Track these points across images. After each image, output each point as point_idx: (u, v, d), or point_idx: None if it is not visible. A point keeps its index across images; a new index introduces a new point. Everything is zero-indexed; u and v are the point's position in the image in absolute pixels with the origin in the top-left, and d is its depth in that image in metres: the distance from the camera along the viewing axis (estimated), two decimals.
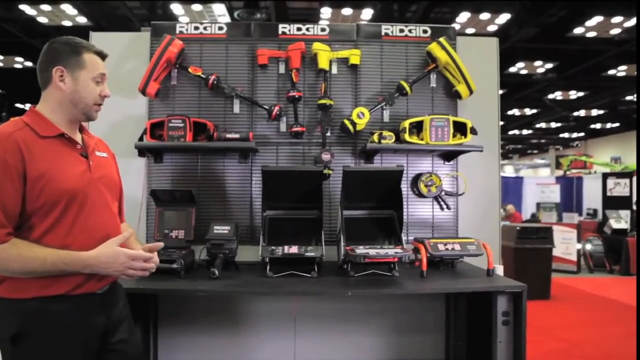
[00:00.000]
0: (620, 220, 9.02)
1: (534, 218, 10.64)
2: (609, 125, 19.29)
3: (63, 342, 1.44)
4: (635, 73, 11.24)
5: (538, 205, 11.94)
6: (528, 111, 16.40)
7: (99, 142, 1.69)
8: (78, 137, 1.57)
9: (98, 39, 3.00)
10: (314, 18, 8.16)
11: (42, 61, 1.51)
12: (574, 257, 8.27)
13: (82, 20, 8.45)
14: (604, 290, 6.89)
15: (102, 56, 1.58)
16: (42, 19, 8.49)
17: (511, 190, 13.80)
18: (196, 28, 2.93)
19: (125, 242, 1.54)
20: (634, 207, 9.67)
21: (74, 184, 1.45)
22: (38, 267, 1.38)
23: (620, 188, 11.58)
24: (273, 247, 2.31)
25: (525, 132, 21.14)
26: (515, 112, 16.39)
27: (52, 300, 1.43)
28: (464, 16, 8.01)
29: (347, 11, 7.92)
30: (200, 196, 2.80)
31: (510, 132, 20.86)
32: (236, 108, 2.88)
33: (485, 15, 7.98)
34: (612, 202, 11.34)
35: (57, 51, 1.50)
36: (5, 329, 1.40)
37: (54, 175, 1.41)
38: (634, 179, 11.52)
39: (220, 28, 2.94)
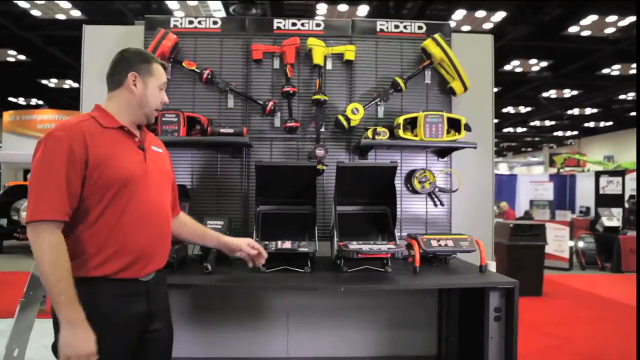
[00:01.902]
0: (612, 218, 9.09)
1: (527, 215, 10.70)
2: (602, 124, 19.42)
3: (104, 323, 1.48)
4: (629, 72, 11.32)
5: (531, 202, 12.01)
6: (523, 109, 16.48)
7: (155, 138, 1.82)
8: (137, 132, 1.69)
9: (92, 32, 2.99)
10: (309, 14, 8.15)
11: (114, 67, 1.67)
12: (566, 255, 8.33)
13: (76, 13, 8.39)
14: (595, 288, 6.94)
15: (165, 68, 1.76)
16: (36, 12, 8.42)
17: (505, 187, 13.86)
18: (190, 22, 2.92)
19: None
20: (626, 205, 9.74)
21: (128, 171, 1.55)
22: (52, 278, 1.41)
23: (612, 186, 11.67)
24: (266, 242, 2.30)
25: (519, 130, 21.25)
26: (510, 109, 16.47)
27: (98, 281, 1.51)
28: (459, 14, 8.03)
29: (343, 7, 7.92)
30: (194, 191, 2.80)
31: (505, 130, 20.95)
32: (230, 103, 2.87)
33: (480, 13, 8.01)
34: (604, 200, 11.43)
35: (129, 59, 1.66)
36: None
37: (111, 160, 1.53)
38: (627, 177, 11.62)
39: (215, 22, 2.92)
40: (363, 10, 7.97)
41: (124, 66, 1.65)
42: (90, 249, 1.49)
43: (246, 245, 1.98)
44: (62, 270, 1.41)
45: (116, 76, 1.65)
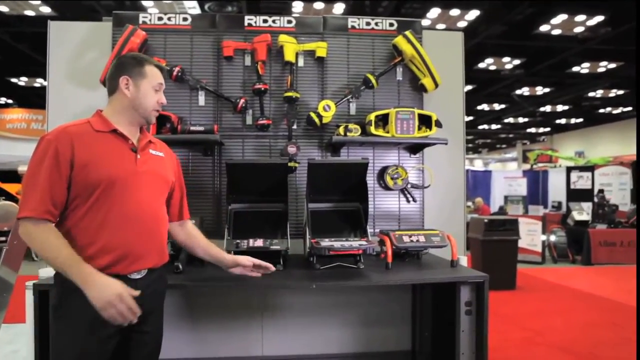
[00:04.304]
0: (582, 213, 9.33)
1: (501, 211, 10.90)
2: (573, 121, 19.89)
3: (88, 319, 1.53)
4: (597, 70, 11.62)
5: (506, 198, 12.24)
6: (497, 106, 16.75)
7: (160, 143, 1.87)
8: (134, 136, 1.74)
9: (57, 28, 2.91)
10: (286, 13, 8.10)
11: (111, 72, 1.74)
12: (539, 249, 8.52)
13: (46, 10, 8.17)
14: (566, 280, 7.12)
15: (161, 69, 1.80)
16: (3, 8, 8.16)
17: (480, 183, 14.10)
18: (160, 19, 2.87)
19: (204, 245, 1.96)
20: (595, 200, 10.01)
21: (114, 172, 1.61)
22: (51, 256, 1.51)
23: (582, 181, 12.00)
24: (238, 241, 2.29)
25: (494, 126, 21.59)
26: (485, 107, 16.71)
27: None
28: (434, 12, 8.11)
29: (319, 5, 7.91)
30: None
31: (480, 127, 21.28)
32: (201, 100, 2.83)
33: (455, 12, 8.10)
34: (575, 195, 11.73)
35: (123, 63, 1.74)
36: (52, 299, 1.66)
37: (97, 162, 1.59)
38: (596, 172, 11.94)
39: (185, 19, 2.88)
40: (339, 8, 7.97)
41: (118, 71, 1.72)
42: (79, 244, 1.55)
43: (246, 261, 1.99)
44: (54, 246, 1.51)
45: (112, 81, 1.73)
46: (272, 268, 2.04)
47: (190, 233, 1.99)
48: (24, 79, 13.18)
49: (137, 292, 1.57)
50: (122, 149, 1.68)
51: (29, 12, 8.31)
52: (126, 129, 1.71)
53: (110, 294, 1.50)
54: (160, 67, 1.80)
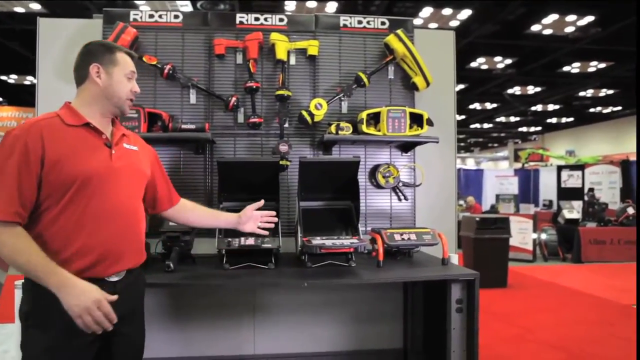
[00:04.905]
0: (573, 211, 9.40)
1: (493, 209, 10.96)
2: (564, 120, 20.04)
3: (64, 326, 1.43)
4: (588, 70, 11.72)
5: (497, 196, 12.31)
6: (489, 105, 16.81)
7: (133, 136, 1.78)
8: (107, 129, 1.64)
9: (47, 25, 2.89)
10: (278, 11, 8.09)
11: (78, 61, 1.64)
12: (530, 247, 8.57)
13: (36, 6, 8.09)
14: (556, 278, 7.18)
15: (132, 56, 1.72)
16: None
17: (472, 182, 14.18)
18: (151, 16, 2.85)
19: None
20: (585, 198, 10.10)
21: (89, 168, 1.51)
22: (22, 262, 1.41)
23: (573, 180, 12.10)
24: (229, 239, 2.29)
25: (486, 125, 21.69)
26: (477, 106, 16.77)
27: None
28: (426, 11, 8.12)
29: (311, 4, 7.90)
30: None
31: (472, 126, 21.37)
32: (193, 98, 2.82)
33: (447, 11, 8.12)
34: (565, 193, 11.83)
35: (92, 51, 1.63)
36: (22, 306, 1.51)
37: (70, 158, 1.49)
38: (586, 171, 12.04)
39: (176, 17, 2.87)
40: (331, 7, 7.97)
41: (86, 59, 1.62)
42: (52, 248, 1.45)
43: (249, 211, 1.99)
44: (24, 251, 1.41)
45: (81, 70, 1.63)
46: (274, 216, 2.03)
47: (187, 207, 1.96)
48: (13, 76, 13.04)
49: (114, 297, 1.49)
50: (95, 144, 1.58)
51: (19, 9, 8.22)
52: (98, 121, 1.61)
53: (87, 300, 1.41)
54: (131, 54, 1.71)
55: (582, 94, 14.64)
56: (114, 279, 1.56)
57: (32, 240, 1.42)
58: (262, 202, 2.02)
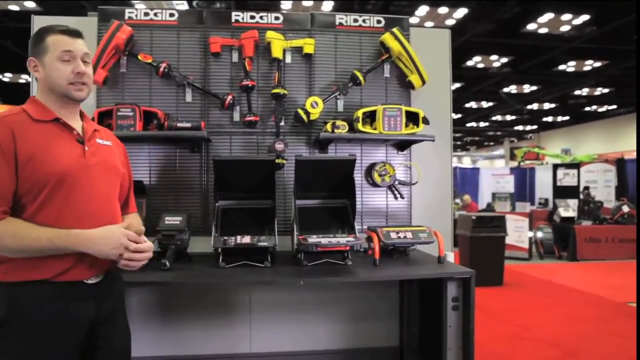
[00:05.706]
0: (568, 209, 9.44)
1: (489, 208, 11.00)
2: (559, 119, 20.11)
3: (43, 332, 1.40)
4: (583, 69, 11.76)
5: (494, 195, 12.35)
6: (485, 104, 16.86)
7: (104, 131, 1.71)
8: (77, 124, 1.57)
9: (42, 23, 2.83)
10: (274, 10, 8.07)
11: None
12: (526, 245, 8.61)
13: (31, 4, 8.04)
14: (552, 276, 7.21)
15: (70, 33, 1.53)
16: None
17: (468, 180, 14.22)
18: (146, 14, 2.84)
19: None
20: (581, 196, 10.14)
21: (63, 166, 1.45)
22: (33, 244, 1.38)
23: (569, 178, 12.15)
24: (225, 238, 2.28)
25: (482, 124, 21.75)
26: (473, 104, 16.82)
27: (36, 286, 1.41)
28: (422, 10, 8.13)
29: (307, 3, 7.89)
30: (151, 187, 2.74)
31: (468, 125, 21.42)
32: (188, 97, 2.82)
33: (443, 10, 8.13)
34: (561, 192, 11.87)
35: (30, 44, 1.54)
36: None
37: (43, 157, 1.42)
38: (582, 169, 12.10)
39: (172, 15, 2.86)
40: (327, 5, 7.96)
41: (28, 55, 1.54)
42: None
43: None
44: (28, 234, 1.38)
45: (28, 67, 1.55)
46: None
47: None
48: (8, 74, 12.98)
49: (132, 234, 1.48)
50: (67, 140, 1.50)
51: (13, 7, 8.18)
52: (62, 113, 1.52)
53: (115, 239, 1.44)
54: (66, 31, 1.53)
55: (577, 92, 14.71)
56: (93, 281, 1.51)
57: (27, 222, 1.39)
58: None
